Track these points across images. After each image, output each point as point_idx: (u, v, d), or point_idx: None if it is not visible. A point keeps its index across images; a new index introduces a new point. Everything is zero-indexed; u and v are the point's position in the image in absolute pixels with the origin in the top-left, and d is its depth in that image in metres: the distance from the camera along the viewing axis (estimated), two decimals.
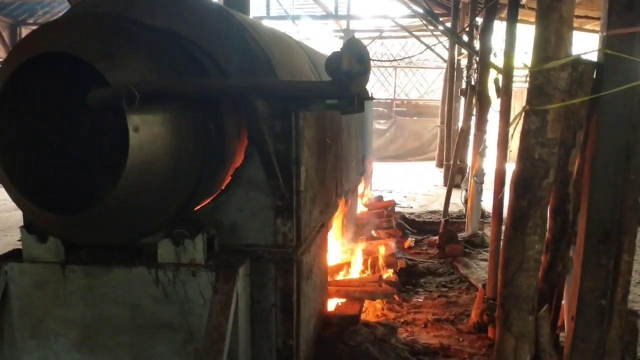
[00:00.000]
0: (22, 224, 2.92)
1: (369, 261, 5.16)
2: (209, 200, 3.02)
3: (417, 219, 8.53)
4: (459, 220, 7.97)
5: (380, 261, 5.12)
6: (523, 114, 2.42)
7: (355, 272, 5.03)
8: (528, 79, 2.37)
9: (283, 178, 2.92)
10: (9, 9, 14.31)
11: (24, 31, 15.28)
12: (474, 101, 7.61)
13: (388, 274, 5.13)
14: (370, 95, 3.63)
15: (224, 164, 2.88)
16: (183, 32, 2.89)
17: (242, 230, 3.04)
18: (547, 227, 2.83)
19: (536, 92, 2.33)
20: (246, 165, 3.00)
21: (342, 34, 16.10)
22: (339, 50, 2.60)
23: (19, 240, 2.90)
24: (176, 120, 2.42)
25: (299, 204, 3.08)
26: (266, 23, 12.82)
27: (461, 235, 7.29)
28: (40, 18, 15.58)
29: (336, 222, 4.88)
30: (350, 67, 2.55)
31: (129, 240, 2.79)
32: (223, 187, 3.03)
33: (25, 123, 2.52)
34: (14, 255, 2.90)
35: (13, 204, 2.51)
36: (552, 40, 2.26)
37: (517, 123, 2.49)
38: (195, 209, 2.95)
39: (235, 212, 3.04)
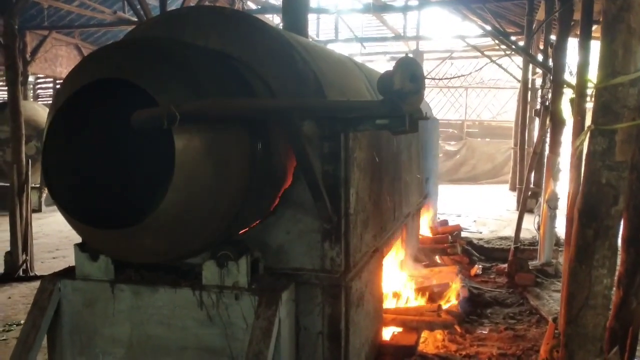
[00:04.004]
0: None
1: (429, 289, 4.93)
2: (257, 221, 2.98)
3: (485, 245, 8.12)
4: (531, 247, 7.52)
5: (451, 292, 4.88)
6: (588, 135, 2.20)
7: (414, 300, 4.82)
8: (592, 94, 2.16)
9: (331, 200, 2.83)
10: (94, 36, 15.30)
11: None
12: (547, 122, 7.22)
13: (449, 303, 4.88)
14: (425, 115, 3.49)
15: (271, 184, 2.83)
16: (235, 53, 2.90)
17: (289, 253, 2.97)
18: (620, 259, 2.56)
19: (602, 110, 2.11)
20: (295, 187, 2.94)
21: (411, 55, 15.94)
22: (390, 69, 2.51)
23: None
24: (222, 140, 2.40)
25: (348, 228, 2.97)
26: (335, 46, 12.90)
27: (533, 263, 6.85)
28: None
29: (394, 247, 4.71)
30: (403, 86, 2.45)
31: (174, 259, 2.78)
32: (271, 209, 2.98)
33: (73, 142, 2.58)
34: (68, 272, 2.98)
35: None
36: (619, 54, 2.04)
37: (583, 143, 2.28)
38: (243, 230, 2.91)
39: (282, 234, 2.98)
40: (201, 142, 2.32)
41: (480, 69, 13.26)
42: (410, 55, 16.28)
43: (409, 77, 2.48)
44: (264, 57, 2.91)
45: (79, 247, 2.90)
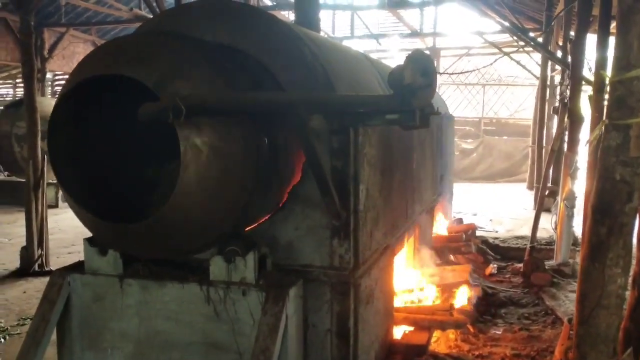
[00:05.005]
0: None
1: (441, 287, 4.87)
2: (266, 217, 2.96)
3: (501, 244, 8.01)
4: (548, 247, 7.40)
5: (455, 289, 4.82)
6: (603, 130, 2.14)
7: (426, 298, 4.77)
8: (608, 90, 2.09)
9: (339, 196, 2.80)
10: (111, 33, 15.42)
11: None
12: (565, 119, 7.10)
13: (461, 302, 4.81)
14: (436, 110, 3.43)
15: (279, 180, 2.81)
16: (243, 47, 2.87)
17: (298, 250, 2.94)
18: (635, 258, 2.49)
19: (617, 104, 2.05)
20: (304, 182, 2.92)
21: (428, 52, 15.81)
22: (401, 63, 2.47)
23: None
24: (229, 134, 2.38)
25: (357, 224, 2.93)
26: (350, 43, 12.82)
27: (550, 263, 6.74)
28: None
29: (407, 244, 4.66)
30: (413, 80, 2.41)
31: (181, 254, 2.77)
32: (280, 205, 2.96)
33: (83, 135, 2.58)
34: (77, 267, 2.99)
35: None
36: (634, 46, 1.98)
37: (597, 138, 2.21)
38: (250, 226, 2.90)
39: (291, 230, 2.95)
40: (208, 136, 2.31)
41: (494, 62, 13.05)
42: (427, 52, 16.15)
43: (420, 71, 2.44)
44: (273, 50, 2.88)
45: (89, 241, 2.91)
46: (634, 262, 2.42)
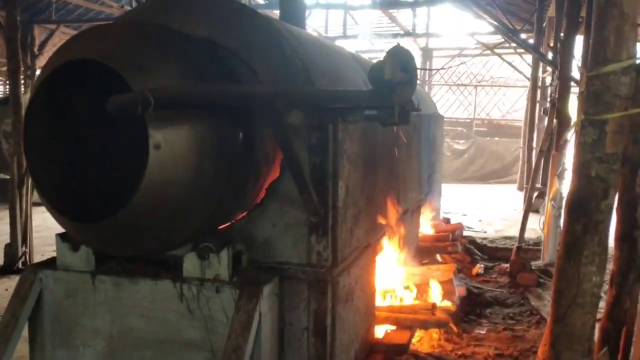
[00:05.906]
0: None
1: (424, 287, 4.84)
2: (243, 214, 2.91)
3: (489, 245, 7.99)
4: (536, 247, 7.39)
5: (436, 288, 4.78)
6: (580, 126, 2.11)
7: (409, 298, 4.73)
8: (584, 85, 2.06)
9: (317, 193, 2.76)
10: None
11: None
12: (554, 120, 7.10)
13: (444, 301, 4.78)
14: (417, 106, 3.39)
15: (255, 176, 2.76)
16: (222, 41, 2.83)
17: (275, 247, 2.90)
18: (613, 256, 2.46)
19: (593, 99, 2.01)
20: (282, 179, 2.88)
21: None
22: (381, 59, 2.45)
23: None
24: (201, 129, 2.34)
25: (336, 221, 2.89)
26: (343, 42, 12.80)
27: (536, 263, 6.74)
28: None
29: (391, 243, 4.63)
30: (393, 76, 2.38)
31: (153, 252, 2.72)
32: (258, 201, 2.92)
33: (55, 130, 2.52)
34: (50, 263, 2.93)
35: None
36: (611, 40, 1.94)
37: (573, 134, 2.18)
38: (226, 222, 2.85)
39: (268, 227, 2.91)
40: (178, 130, 2.26)
41: (479, 54, 13.07)
42: (420, 51, 16.16)
43: (400, 67, 2.41)
44: (252, 45, 2.83)
45: (61, 237, 2.85)
46: (611, 260, 2.39)
